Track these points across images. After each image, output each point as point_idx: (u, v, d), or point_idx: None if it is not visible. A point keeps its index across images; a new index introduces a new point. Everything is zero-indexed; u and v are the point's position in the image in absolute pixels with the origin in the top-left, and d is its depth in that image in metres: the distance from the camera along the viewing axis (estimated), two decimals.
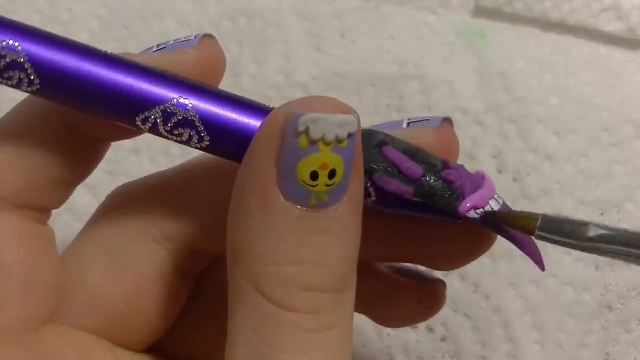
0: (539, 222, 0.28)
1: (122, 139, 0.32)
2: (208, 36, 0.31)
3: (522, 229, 0.29)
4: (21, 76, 0.28)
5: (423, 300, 0.35)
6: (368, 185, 0.29)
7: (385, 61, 0.48)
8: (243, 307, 0.27)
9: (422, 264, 0.34)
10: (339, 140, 0.26)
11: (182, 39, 0.31)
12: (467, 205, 0.29)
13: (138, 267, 0.32)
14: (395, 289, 0.35)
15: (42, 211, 0.31)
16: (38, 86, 0.28)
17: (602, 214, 0.46)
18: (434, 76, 0.48)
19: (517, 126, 0.47)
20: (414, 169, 0.29)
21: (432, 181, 0.29)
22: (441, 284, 0.35)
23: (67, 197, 0.32)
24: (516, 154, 0.47)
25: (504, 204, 0.30)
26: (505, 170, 0.47)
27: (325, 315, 0.27)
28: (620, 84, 0.48)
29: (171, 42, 0.31)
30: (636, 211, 0.46)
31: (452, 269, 0.34)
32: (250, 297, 0.27)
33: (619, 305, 0.45)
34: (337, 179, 0.26)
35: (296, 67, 0.48)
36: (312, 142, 0.26)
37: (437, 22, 0.49)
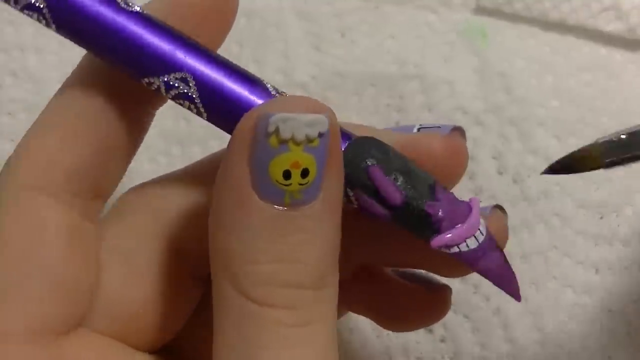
0: (601, 153, 0.28)
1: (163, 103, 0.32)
2: (457, 129, 0.32)
3: (589, 167, 0.29)
4: (39, 18, 0.28)
5: (428, 305, 0.35)
6: (350, 195, 0.29)
7: (385, 61, 0.48)
8: (224, 306, 0.28)
9: (429, 270, 0.34)
10: (309, 140, 0.26)
11: (431, 125, 0.32)
12: (438, 243, 0.29)
13: (152, 270, 0.32)
14: (401, 293, 0.35)
15: (94, 199, 0.31)
16: (54, 28, 0.28)
17: (601, 217, 0.46)
18: (434, 76, 0.48)
19: (517, 128, 0.47)
20: (395, 195, 0.29)
21: (410, 210, 0.29)
22: (447, 289, 0.35)
23: (119, 179, 0.32)
24: (516, 156, 0.47)
25: (487, 238, 0.30)
26: (506, 171, 0.46)
27: (305, 310, 0.28)
28: (620, 86, 0.48)
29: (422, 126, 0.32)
30: (636, 215, 0.46)
31: (458, 276, 0.34)
32: (230, 295, 0.27)
33: (620, 308, 0.45)
34: (310, 177, 0.27)
35: (296, 67, 0.48)
36: (283, 142, 0.26)
37: (437, 21, 0.49)
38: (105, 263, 0.31)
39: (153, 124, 0.45)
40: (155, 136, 0.46)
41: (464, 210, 0.30)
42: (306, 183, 0.27)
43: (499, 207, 0.33)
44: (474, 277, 0.45)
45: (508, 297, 0.45)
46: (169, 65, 0.28)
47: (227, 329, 0.28)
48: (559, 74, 0.48)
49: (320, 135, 0.26)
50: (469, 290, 0.45)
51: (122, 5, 0.28)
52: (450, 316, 0.44)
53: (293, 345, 0.27)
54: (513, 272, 0.32)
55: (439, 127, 0.32)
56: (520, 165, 0.46)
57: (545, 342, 0.45)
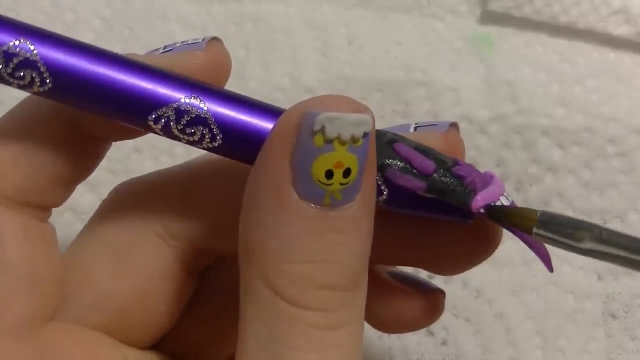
0: (537, 221, 0.28)
1: (125, 139, 0.32)
2: (215, 40, 0.31)
3: (520, 226, 0.29)
4: (34, 75, 0.28)
5: (421, 308, 0.35)
6: (380, 182, 0.29)
7: (392, 67, 0.48)
8: (255, 305, 0.27)
9: (426, 268, 0.34)
10: (354, 140, 0.26)
11: (190, 42, 0.31)
12: (479, 199, 0.29)
13: (143, 265, 0.32)
14: (395, 295, 0.35)
15: (43, 209, 0.31)
16: (50, 85, 0.28)
17: (604, 223, 0.46)
18: (440, 83, 0.48)
19: (521, 137, 0.47)
20: (426, 163, 0.29)
21: (444, 176, 0.29)
22: (440, 293, 0.35)
23: (69, 195, 0.32)
24: (520, 164, 0.47)
25: (513, 203, 0.30)
26: (508, 179, 0.47)
27: (337, 313, 0.27)
28: (628, 91, 0.48)
29: (178, 45, 0.31)
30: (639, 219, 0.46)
31: (456, 273, 0.34)
32: (263, 294, 0.27)
33: (623, 313, 0.45)
34: (351, 178, 0.26)
35: (303, 71, 0.48)
36: (328, 141, 0.26)
37: (444, 29, 0.49)
38: (94, 257, 0.32)
39: None
40: (159, 136, 0.46)
41: (487, 176, 0.30)
42: (347, 183, 0.26)
43: (454, 125, 0.33)
44: (476, 282, 0.45)
45: (510, 302, 0.45)
46: (178, 93, 0.28)
47: (256, 325, 0.27)
48: (565, 81, 0.48)
49: (364, 135, 0.26)
50: (470, 295, 0.45)
51: (103, 52, 0.28)
52: (451, 319, 0.44)
53: (323, 347, 0.27)
54: (544, 245, 0.31)
55: (435, 124, 0.32)
56: (523, 173, 0.47)
57: (546, 347, 0.45)
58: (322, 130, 0.26)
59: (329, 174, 0.26)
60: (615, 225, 0.46)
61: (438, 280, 0.45)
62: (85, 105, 0.28)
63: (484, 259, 0.33)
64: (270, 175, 0.27)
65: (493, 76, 0.48)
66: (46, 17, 0.49)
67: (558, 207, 0.46)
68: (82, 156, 0.31)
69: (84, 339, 0.31)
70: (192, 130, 0.28)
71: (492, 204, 0.29)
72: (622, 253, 0.28)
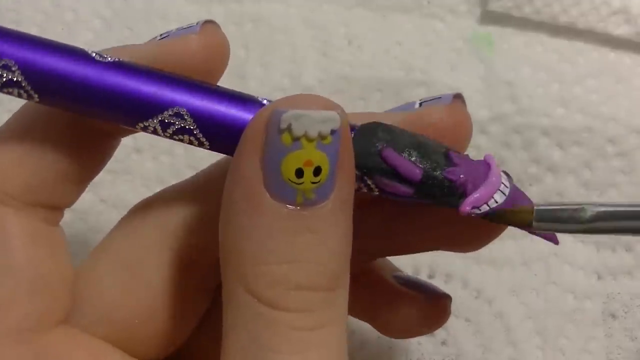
0: (534, 214, 0.28)
1: (132, 133, 0.32)
2: (210, 22, 0.31)
3: (519, 224, 0.29)
4: (21, 92, 0.28)
5: (427, 313, 0.35)
6: (369, 183, 0.29)
7: (392, 66, 0.48)
8: (235, 308, 0.27)
9: (442, 248, 0.34)
10: (322, 137, 0.26)
11: (185, 27, 0.31)
12: (468, 205, 0.29)
13: (155, 280, 0.32)
14: (400, 300, 0.35)
15: (53, 209, 0.31)
16: (37, 100, 0.28)
17: None
18: (440, 83, 0.48)
19: (521, 137, 0.47)
20: (414, 171, 0.28)
21: (432, 182, 0.29)
22: (446, 298, 0.35)
23: (79, 195, 0.32)
24: (520, 164, 0.47)
25: (514, 190, 0.30)
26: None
27: (317, 313, 0.27)
28: (628, 91, 0.48)
29: (174, 30, 0.31)
30: None
31: (474, 249, 0.33)
32: (241, 297, 0.27)
33: (623, 313, 0.45)
34: (322, 176, 0.26)
35: (302, 71, 0.48)
36: (296, 139, 0.26)
37: (444, 29, 0.49)
38: (106, 270, 0.31)
39: None
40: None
41: (482, 168, 0.29)
42: (318, 182, 0.26)
43: (458, 96, 0.32)
44: (476, 282, 0.45)
45: (509, 302, 0.45)
46: (160, 104, 0.28)
47: (237, 330, 0.27)
48: (565, 81, 0.48)
49: (333, 132, 0.26)
50: (470, 295, 0.45)
51: (97, 58, 0.28)
52: (451, 319, 0.44)
53: (304, 349, 0.27)
54: None
55: (440, 97, 0.32)
56: (523, 173, 0.46)
57: (546, 347, 0.45)
58: (289, 128, 0.26)
59: (299, 173, 0.26)
60: None
61: (437, 280, 0.45)
62: (77, 112, 0.28)
63: (499, 232, 0.32)
64: (242, 176, 0.27)
65: (493, 76, 0.48)
66: (46, 17, 0.49)
67: None
68: (91, 153, 0.31)
69: (90, 347, 0.31)
70: (180, 137, 0.28)
71: (487, 205, 0.29)
72: (622, 223, 0.28)
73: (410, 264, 0.45)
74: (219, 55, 0.30)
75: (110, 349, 0.31)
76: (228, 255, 0.27)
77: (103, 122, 0.30)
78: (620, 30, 0.48)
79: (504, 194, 0.29)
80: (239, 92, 0.29)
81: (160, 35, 0.31)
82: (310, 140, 0.26)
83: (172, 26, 0.49)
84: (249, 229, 0.27)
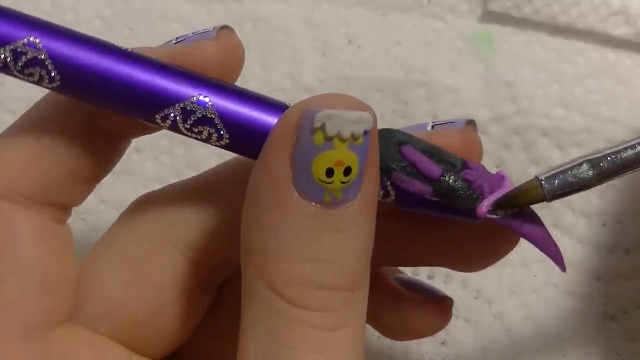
0: (543, 187, 0.28)
1: (143, 134, 0.32)
2: (226, 28, 0.31)
3: (534, 201, 0.29)
4: (42, 73, 0.28)
5: (429, 315, 0.35)
6: (387, 184, 0.29)
7: (392, 67, 0.48)
8: (255, 305, 0.27)
9: (445, 266, 0.34)
10: (354, 137, 0.26)
11: (201, 32, 0.31)
12: (485, 205, 0.29)
13: (157, 276, 0.32)
14: (402, 302, 0.35)
15: (62, 208, 0.31)
16: (59, 83, 0.28)
17: (604, 225, 0.46)
18: (440, 83, 0.48)
19: (521, 137, 0.47)
20: (433, 168, 0.29)
21: (450, 181, 0.29)
22: (448, 300, 0.35)
23: (88, 194, 0.32)
24: (519, 165, 0.47)
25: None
26: None
27: (337, 313, 0.27)
28: (628, 91, 0.48)
29: (190, 35, 0.31)
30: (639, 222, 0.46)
31: (477, 269, 0.34)
32: (263, 294, 0.27)
33: (623, 315, 0.45)
34: (352, 176, 0.26)
35: (302, 71, 0.48)
36: (328, 139, 0.26)
37: (444, 28, 0.49)
38: (109, 267, 0.32)
39: None
40: (159, 136, 0.46)
41: (497, 178, 0.30)
42: (348, 182, 0.26)
43: (471, 122, 0.32)
44: (476, 283, 0.45)
45: (509, 303, 0.45)
46: (185, 92, 0.28)
47: (256, 325, 0.27)
48: (565, 81, 0.48)
49: (365, 133, 0.26)
50: (470, 295, 0.45)
51: (121, 46, 0.28)
52: (451, 320, 0.44)
53: (323, 348, 0.27)
54: (553, 239, 0.31)
55: (453, 122, 0.32)
56: (522, 174, 0.46)
57: (546, 348, 0.45)
58: (322, 127, 0.26)
59: (330, 172, 0.26)
60: (614, 226, 0.46)
61: (437, 280, 0.45)
62: (94, 101, 0.28)
63: (504, 255, 0.32)
64: (270, 173, 0.27)
65: (493, 76, 0.48)
66: (46, 17, 0.48)
67: (558, 207, 0.46)
68: (102, 153, 0.31)
69: (95, 345, 0.31)
70: (200, 129, 0.28)
71: (497, 212, 0.29)
72: (626, 168, 0.28)
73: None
74: (235, 60, 0.30)
75: (113, 345, 0.32)
76: (251, 252, 0.27)
77: (116, 121, 0.30)
78: (620, 30, 0.48)
79: None
80: (263, 95, 0.29)
81: (176, 38, 0.31)
82: (342, 140, 0.26)
83: (172, 26, 0.49)
84: (275, 227, 0.27)
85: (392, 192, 0.29)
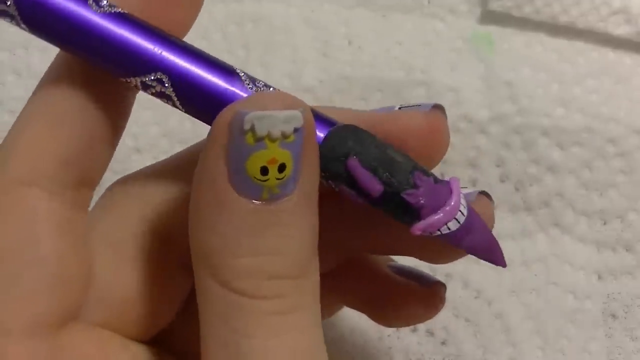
0: None
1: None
2: (439, 108, 0.32)
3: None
4: (13, 15, 0.28)
5: (422, 301, 0.35)
6: (330, 184, 0.29)
7: (392, 67, 0.48)
8: (208, 299, 0.28)
9: (416, 257, 0.34)
10: (285, 136, 0.26)
11: (417, 104, 0.32)
12: (418, 229, 0.29)
13: (141, 259, 0.32)
14: (395, 289, 0.36)
15: (85, 186, 0.31)
16: (27, 29, 0.28)
17: (604, 223, 0.46)
18: (440, 83, 0.48)
19: (521, 137, 0.47)
20: (374, 187, 0.29)
21: (389, 200, 0.29)
22: (441, 286, 0.35)
23: (107, 163, 0.32)
24: (519, 165, 0.47)
25: (469, 217, 0.30)
26: (508, 179, 0.47)
27: (289, 299, 0.28)
28: (628, 91, 0.48)
29: (405, 105, 0.32)
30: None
31: (446, 262, 0.34)
32: (213, 288, 0.27)
33: (624, 313, 0.45)
34: (287, 172, 0.27)
35: (303, 71, 0.48)
36: (259, 139, 0.26)
37: (444, 28, 0.49)
38: (95, 253, 0.31)
39: (157, 123, 0.45)
40: (159, 136, 0.46)
41: (444, 193, 0.30)
42: (283, 177, 0.27)
43: (485, 194, 0.33)
44: (476, 283, 0.45)
45: (509, 302, 0.45)
46: (143, 67, 0.28)
47: (212, 320, 0.28)
48: (565, 81, 0.48)
49: (296, 130, 0.26)
50: (470, 295, 0.45)
51: (92, 4, 0.28)
52: (451, 319, 0.44)
53: (279, 333, 0.27)
54: (496, 242, 0.31)
55: (419, 105, 0.32)
56: (522, 173, 0.47)
57: (546, 347, 0.45)
58: (252, 129, 0.26)
59: (264, 171, 0.26)
60: (615, 225, 0.46)
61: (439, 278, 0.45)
62: (61, 46, 0.29)
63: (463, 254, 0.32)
64: (208, 174, 0.27)
65: (493, 76, 0.48)
66: None
67: (558, 207, 0.46)
68: (112, 108, 0.31)
69: (95, 337, 0.31)
70: (160, 99, 0.29)
71: (439, 231, 0.29)
72: None
73: (411, 263, 0.45)
74: (438, 139, 0.31)
75: (111, 336, 0.32)
76: (197, 248, 0.28)
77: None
78: (620, 30, 0.48)
79: (458, 222, 0.30)
80: (223, 63, 0.29)
81: (399, 107, 0.32)
82: (273, 140, 0.26)
83: None
84: (216, 224, 0.27)
85: (335, 189, 0.30)
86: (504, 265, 0.32)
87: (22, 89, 0.45)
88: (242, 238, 0.27)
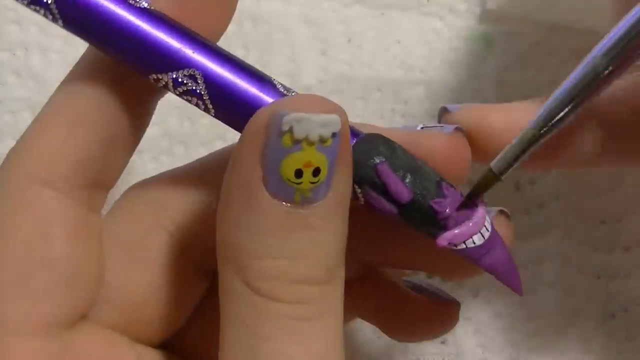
0: (492, 168, 0.30)
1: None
2: (460, 130, 0.32)
3: (489, 185, 0.30)
4: (45, 12, 0.28)
5: (436, 318, 0.36)
6: (358, 192, 0.29)
7: (391, 66, 0.48)
8: (232, 300, 0.28)
9: (432, 273, 0.34)
10: (322, 140, 0.26)
11: (435, 125, 0.32)
12: (445, 240, 0.29)
13: (152, 261, 0.32)
14: (410, 304, 0.36)
15: (100, 188, 0.31)
16: (61, 24, 0.28)
17: (603, 222, 0.46)
18: (439, 82, 0.48)
19: None
20: (403, 192, 0.29)
21: (417, 207, 0.29)
22: (455, 304, 0.36)
23: (123, 168, 0.32)
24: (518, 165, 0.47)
25: (492, 235, 0.30)
26: (507, 179, 0.46)
27: (313, 305, 0.28)
28: None
29: (428, 125, 0.32)
30: (638, 221, 0.46)
31: (462, 278, 0.34)
32: (239, 289, 0.27)
33: (623, 313, 0.45)
34: (321, 176, 0.27)
35: (302, 71, 0.48)
36: (296, 142, 0.26)
37: (443, 27, 0.49)
38: (108, 255, 0.32)
39: (157, 123, 0.45)
40: (159, 136, 0.46)
41: (469, 207, 0.30)
42: (317, 182, 0.27)
43: (504, 213, 0.33)
44: (475, 282, 0.45)
45: (509, 301, 0.45)
46: (178, 62, 0.28)
47: (234, 320, 0.28)
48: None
49: (333, 135, 0.26)
50: (470, 294, 0.45)
51: (131, 1, 0.28)
52: None
53: (300, 338, 0.27)
54: (516, 267, 0.32)
55: (442, 126, 0.32)
56: (522, 173, 0.47)
57: (546, 347, 0.45)
58: (290, 130, 0.26)
59: (299, 173, 0.26)
60: (614, 226, 0.46)
61: (437, 279, 0.45)
62: (95, 43, 0.29)
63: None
64: (241, 173, 0.27)
65: (492, 75, 0.48)
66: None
67: (557, 207, 0.46)
68: (132, 115, 0.31)
69: (102, 338, 0.31)
70: (188, 98, 0.29)
71: (457, 245, 0.30)
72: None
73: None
74: (460, 164, 0.32)
75: (119, 338, 0.32)
76: (225, 247, 0.28)
77: (141, 80, 0.30)
78: None
79: (483, 237, 0.30)
80: (257, 69, 0.29)
81: (422, 126, 0.32)
82: (310, 143, 0.26)
83: None
84: (246, 225, 0.27)
85: (361, 199, 0.30)
86: (520, 292, 0.32)
87: (22, 89, 0.45)
88: (271, 239, 0.27)
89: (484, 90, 0.47)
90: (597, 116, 0.33)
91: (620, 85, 0.33)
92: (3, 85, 0.45)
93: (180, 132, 0.46)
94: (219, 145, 0.46)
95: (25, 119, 0.45)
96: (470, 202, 0.30)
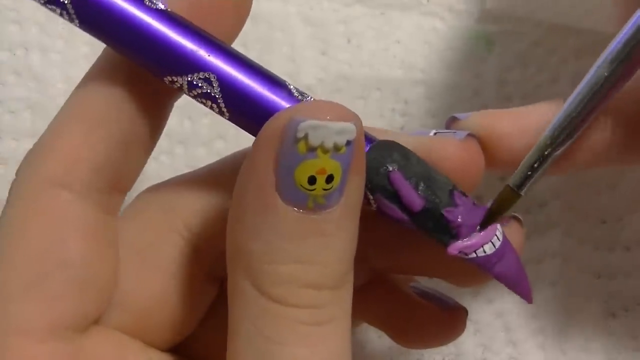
0: (511, 186, 0.31)
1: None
2: (472, 136, 0.32)
3: (510, 203, 0.31)
4: (62, 12, 0.28)
5: (443, 325, 0.36)
6: (370, 198, 0.29)
7: (391, 65, 0.48)
8: (242, 303, 0.28)
9: (443, 279, 0.34)
10: (337, 148, 0.26)
11: (447, 131, 0.33)
12: (456, 249, 0.30)
13: (165, 265, 0.32)
14: (417, 311, 0.36)
15: (117, 191, 0.31)
16: (77, 24, 0.28)
17: (604, 223, 0.46)
18: (439, 82, 0.48)
19: None
20: (415, 201, 0.29)
21: (429, 215, 0.29)
22: (463, 311, 0.36)
23: (140, 170, 0.32)
24: None
25: (504, 243, 0.30)
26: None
27: (324, 310, 0.28)
28: None
29: (440, 131, 0.32)
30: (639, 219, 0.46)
31: (472, 286, 0.34)
32: (249, 293, 0.28)
33: (624, 313, 0.45)
34: (334, 183, 0.27)
35: (302, 70, 0.48)
36: (311, 149, 0.26)
37: (443, 27, 0.49)
38: (121, 259, 0.32)
39: None
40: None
41: (481, 216, 0.30)
42: (330, 188, 0.27)
43: (517, 219, 0.33)
44: None
45: (509, 300, 0.45)
46: (193, 65, 0.28)
47: (244, 324, 0.28)
48: (565, 81, 0.48)
49: (348, 142, 0.26)
50: (470, 294, 0.45)
51: (147, 3, 0.28)
52: None
53: (310, 343, 0.28)
54: (526, 275, 0.32)
55: (454, 132, 0.32)
56: None
57: (546, 347, 0.45)
58: (305, 137, 0.26)
59: (312, 180, 0.26)
60: (614, 225, 0.46)
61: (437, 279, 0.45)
62: (112, 44, 0.29)
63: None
64: (255, 178, 0.27)
65: (491, 75, 0.48)
66: (46, 17, 0.49)
67: (557, 207, 0.46)
68: (148, 117, 0.31)
69: (115, 342, 0.31)
70: (203, 101, 0.29)
71: (469, 254, 0.30)
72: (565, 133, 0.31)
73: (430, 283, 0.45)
74: (473, 170, 0.32)
75: (131, 341, 0.32)
76: (236, 252, 0.28)
77: (158, 82, 0.30)
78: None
79: (494, 246, 0.30)
80: (272, 73, 0.29)
81: (435, 132, 0.32)
82: (325, 151, 0.26)
83: None
84: (259, 229, 0.27)
85: (373, 205, 0.30)
86: (529, 300, 0.32)
87: (22, 89, 0.45)
88: (284, 245, 0.27)
89: (484, 90, 0.47)
90: (611, 112, 0.33)
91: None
92: (3, 85, 0.45)
93: (181, 132, 0.46)
94: (219, 145, 0.46)
95: (25, 119, 0.45)
96: (481, 209, 0.30)
